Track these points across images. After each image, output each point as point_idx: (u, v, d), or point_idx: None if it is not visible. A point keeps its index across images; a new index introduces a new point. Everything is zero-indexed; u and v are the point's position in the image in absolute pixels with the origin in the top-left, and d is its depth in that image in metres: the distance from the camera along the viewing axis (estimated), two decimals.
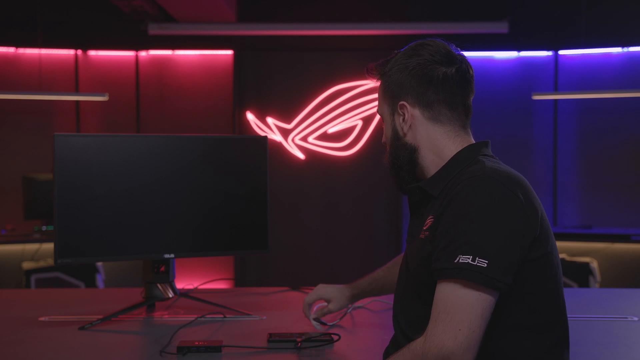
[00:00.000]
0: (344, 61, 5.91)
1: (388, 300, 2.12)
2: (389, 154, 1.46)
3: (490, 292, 1.20)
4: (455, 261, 1.20)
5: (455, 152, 1.38)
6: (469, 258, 1.19)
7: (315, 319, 1.84)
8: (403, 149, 1.42)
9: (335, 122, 5.92)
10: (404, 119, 1.41)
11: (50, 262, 5.01)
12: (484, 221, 1.21)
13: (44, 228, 5.27)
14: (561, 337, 1.33)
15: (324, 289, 1.87)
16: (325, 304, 1.87)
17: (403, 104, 1.41)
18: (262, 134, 5.74)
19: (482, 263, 1.18)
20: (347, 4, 5.91)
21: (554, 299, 1.31)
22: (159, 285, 2.04)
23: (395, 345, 1.41)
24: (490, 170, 1.28)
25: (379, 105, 1.48)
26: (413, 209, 1.45)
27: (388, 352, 1.44)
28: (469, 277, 1.18)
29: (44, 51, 5.76)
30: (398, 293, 1.45)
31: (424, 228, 1.33)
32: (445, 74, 1.38)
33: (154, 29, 5.46)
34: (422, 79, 1.39)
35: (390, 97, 1.43)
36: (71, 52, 5.91)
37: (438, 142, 1.40)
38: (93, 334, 1.84)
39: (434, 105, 1.39)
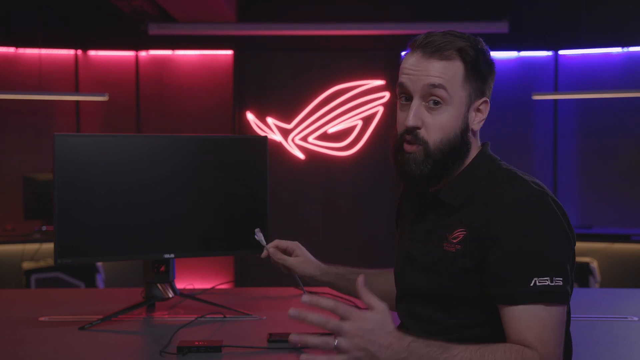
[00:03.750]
0: (344, 61, 5.91)
1: None
2: (448, 143, 1.30)
3: (565, 304, 1.23)
4: (532, 284, 1.19)
5: (472, 157, 1.35)
6: (546, 280, 1.19)
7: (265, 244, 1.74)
8: (466, 144, 1.33)
9: (335, 122, 5.92)
10: (478, 116, 1.34)
11: (50, 262, 5.01)
12: (550, 240, 1.21)
13: (44, 228, 5.27)
14: (569, 337, 1.35)
15: (299, 249, 1.74)
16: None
17: (486, 102, 1.35)
18: (262, 134, 5.74)
19: (559, 282, 1.20)
20: (347, 4, 5.91)
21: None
22: (159, 285, 2.04)
23: None
24: (536, 185, 1.27)
25: (451, 85, 1.29)
26: (418, 214, 1.40)
27: None
28: (552, 300, 1.19)
29: (44, 51, 5.76)
30: (405, 302, 1.42)
31: (454, 241, 1.28)
32: None
33: (154, 29, 5.46)
34: (494, 80, 1.38)
35: (474, 87, 1.32)
36: (71, 52, 5.91)
37: (475, 144, 1.37)
38: (93, 334, 1.84)
39: None
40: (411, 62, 1.32)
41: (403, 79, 1.33)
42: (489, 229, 1.23)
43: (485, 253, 1.23)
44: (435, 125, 1.29)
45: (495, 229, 1.22)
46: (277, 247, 1.73)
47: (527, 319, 1.19)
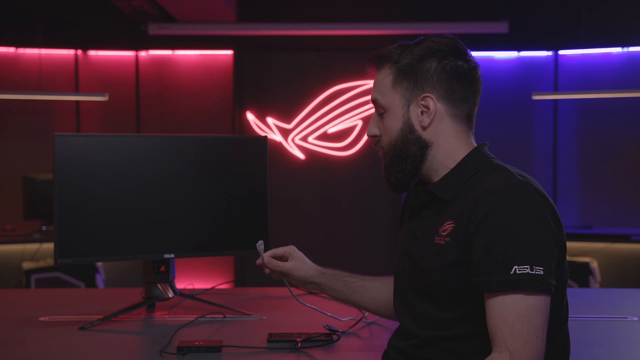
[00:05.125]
0: (344, 61, 5.91)
1: None
2: (393, 146, 1.38)
3: (547, 295, 1.21)
4: (512, 272, 1.19)
5: (465, 154, 1.36)
6: (526, 268, 1.19)
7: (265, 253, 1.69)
8: (415, 143, 1.36)
9: (335, 122, 5.92)
10: (424, 113, 1.35)
11: (50, 262, 5.01)
12: (531, 229, 1.21)
13: (44, 228, 5.27)
14: (567, 334, 1.35)
15: (295, 252, 1.72)
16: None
17: (428, 97, 1.35)
18: (262, 134, 5.74)
19: (539, 271, 1.19)
20: (346, 4, 5.91)
21: (564, 297, 1.33)
22: (159, 285, 2.04)
23: (396, 349, 1.40)
24: (521, 177, 1.28)
25: (381, 95, 1.39)
26: (414, 211, 1.42)
27: (388, 355, 1.44)
28: (532, 288, 1.18)
29: (44, 51, 5.76)
30: (403, 299, 1.42)
31: (443, 233, 1.30)
32: (469, 70, 1.36)
33: (154, 29, 5.46)
34: (452, 72, 1.35)
35: (407, 87, 1.36)
36: (71, 52, 5.91)
37: (453, 141, 1.36)
38: (93, 334, 1.85)
39: (458, 102, 1.36)
40: None
41: None
42: (473, 218, 1.25)
43: (470, 243, 1.25)
44: (384, 132, 1.42)
45: (478, 218, 1.24)
46: (273, 256, 1.72)
47: (503, 309, 1.20)
